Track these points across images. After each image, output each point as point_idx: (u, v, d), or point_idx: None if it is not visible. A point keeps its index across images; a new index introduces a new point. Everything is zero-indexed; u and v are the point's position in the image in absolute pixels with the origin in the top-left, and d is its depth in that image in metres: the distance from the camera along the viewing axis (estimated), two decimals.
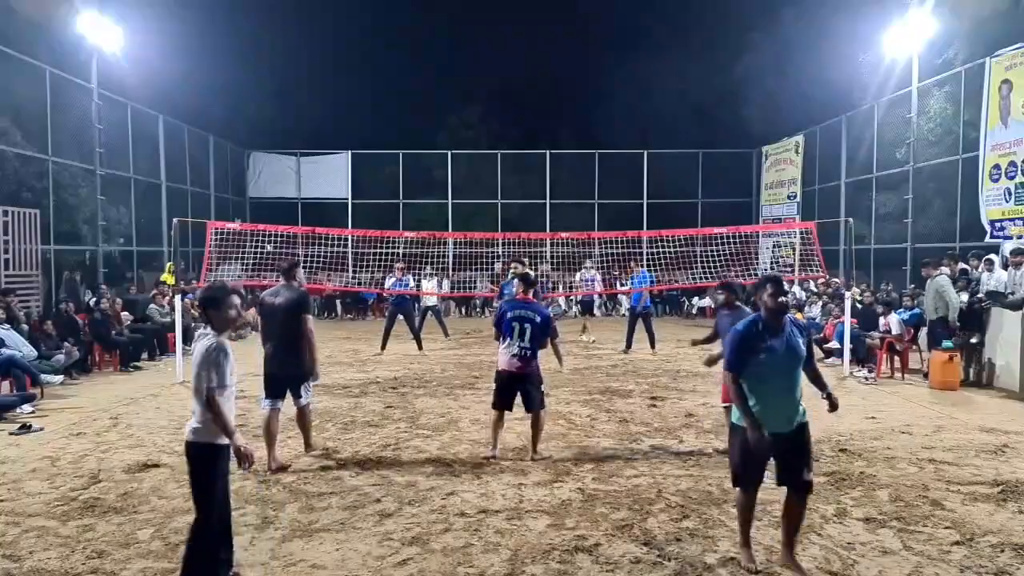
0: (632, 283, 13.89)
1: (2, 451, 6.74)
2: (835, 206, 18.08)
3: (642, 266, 14.24)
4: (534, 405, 6.42)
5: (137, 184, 16.84)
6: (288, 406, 6.38)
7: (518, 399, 6.50)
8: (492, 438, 6.51)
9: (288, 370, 6.21)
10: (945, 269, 10.92)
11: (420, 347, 13.35)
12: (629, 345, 13.46)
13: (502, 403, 6.47)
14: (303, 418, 6.51)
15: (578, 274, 15.28)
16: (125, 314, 12.45)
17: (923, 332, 11.48)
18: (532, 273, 7.11)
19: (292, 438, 7.08)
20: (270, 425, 6.15)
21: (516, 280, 7.10)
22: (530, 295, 6.54)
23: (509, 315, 6.32)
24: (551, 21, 30.74)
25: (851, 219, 12.51)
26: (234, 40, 23.45)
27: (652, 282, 14.27)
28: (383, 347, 13.19)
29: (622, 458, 6.42)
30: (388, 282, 13.90)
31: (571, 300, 18.94)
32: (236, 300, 3.92)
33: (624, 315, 17.28)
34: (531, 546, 4.50)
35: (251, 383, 10.38)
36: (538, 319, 6.30)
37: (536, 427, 6.47)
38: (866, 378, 10.60)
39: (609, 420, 7.91)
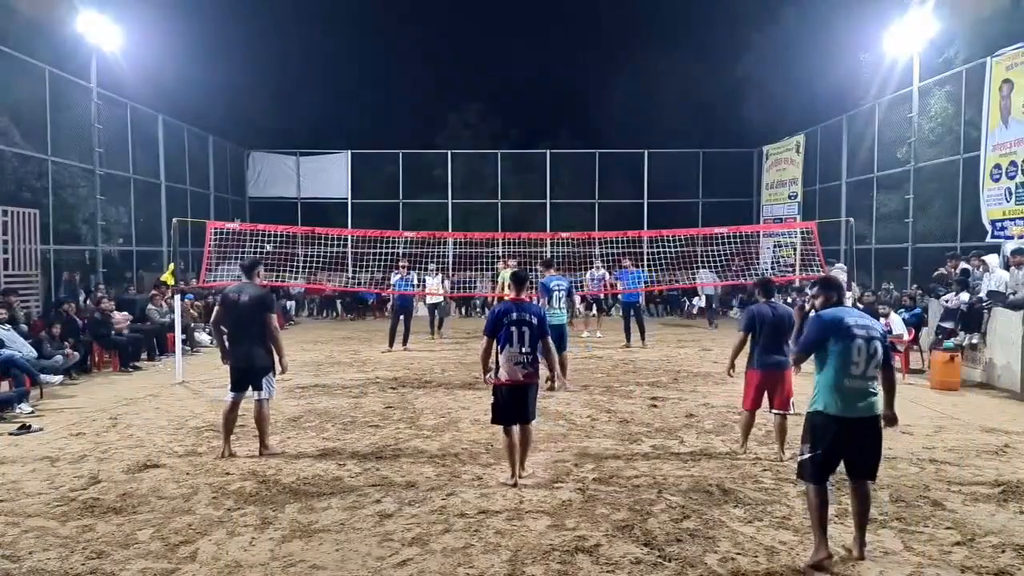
0: (623, 281, 14.26)
1: (2, 451, 6.73)
2: (836, 206, 18.05)
3: (637, 265, 14.43)
4: (531, 416, 5.83)
5: (136, 184, 16.81)
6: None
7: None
8: (510, 463, 5.76)
9: (251, 364, 6.44)
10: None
11: (404, 344, 13.45)
12: (629, 339, 13.86)
13: (510, 419, 5.74)
14: (259, 412, 6.54)
15: (588, 273, 15.38)
16: (124, 314, 12.43)
17: (923, 332, 11.49)
18: (522, 271, 6.53)
19: (283, 441, 7.08)
20: (228, 414, 6.49)
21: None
22: (523, 296, 6.01)
23: (506, 319, 5.71)
24: (551, 20, 30.80)
25: (852, 219, 12.50)
26: (234, 39, 23.45)
27: (645, 281, 14.57)
28: (390, 344, 13.30)
29: (622, 459, 6.41)
30: (393, 277, 13.94)
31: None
32: None
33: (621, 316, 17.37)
34: (531, 547, 4.49)
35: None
36: (535, 320, 5.76)
37: (527, 442, 5.86)
38: None
39: (609, 420, 7.90)
